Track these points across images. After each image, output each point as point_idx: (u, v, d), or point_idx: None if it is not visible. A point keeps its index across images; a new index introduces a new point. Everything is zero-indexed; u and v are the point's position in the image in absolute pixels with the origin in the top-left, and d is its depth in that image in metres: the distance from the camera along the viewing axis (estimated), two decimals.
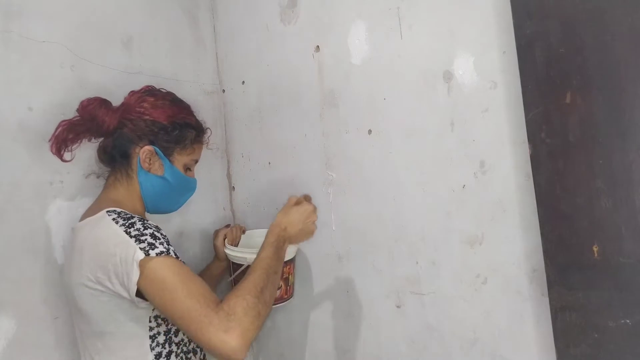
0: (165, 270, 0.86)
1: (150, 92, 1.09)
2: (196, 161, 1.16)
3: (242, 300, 0.86)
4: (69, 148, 1.03)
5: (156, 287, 0.85)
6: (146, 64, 1.34)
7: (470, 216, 1.04)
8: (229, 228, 1.37)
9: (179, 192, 1.13)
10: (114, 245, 0.89)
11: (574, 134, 0.82)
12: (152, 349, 0.95)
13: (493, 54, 0.97)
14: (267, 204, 1.44)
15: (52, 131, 1.02)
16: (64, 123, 1.03)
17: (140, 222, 0.94)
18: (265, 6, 1.40)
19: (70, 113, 1.15)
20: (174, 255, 0.90)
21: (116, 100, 1.20)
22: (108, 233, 0.91)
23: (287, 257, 1.18)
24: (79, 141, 1.04)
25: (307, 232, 1.13)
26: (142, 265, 0.86)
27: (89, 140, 1.07)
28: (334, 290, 1.30)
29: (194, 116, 1.14)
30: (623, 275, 0.79)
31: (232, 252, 1.23)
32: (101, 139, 1.08)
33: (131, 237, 0.89)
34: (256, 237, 1.36)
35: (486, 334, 1.03)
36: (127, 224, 0.92)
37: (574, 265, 0.84)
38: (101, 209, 0.98)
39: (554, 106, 0.84)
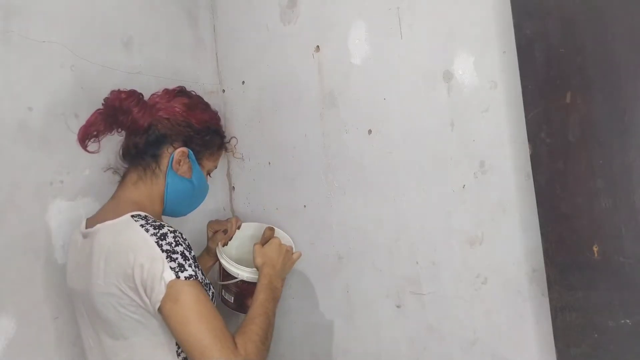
0: (190, 297, 0.86)
1: (185, 93, 1.09)
2: (215, 167, 1.18)
3: (255, 348, 0.91)
4: (98, 138, 1.02)
5: (179, 312, 0.85)
6: (146, 64, 1.34)
7: (470, 216, 1.04)
8: (226, 224, 1.30)
9: (197, 196, 1.14)
10: (142, 256, 0.87)
11: (574, 134, 0.82)
12: (178, 355, 0.94)
13: (493, 54, 0.97)
14: (267, 204, 1.44)
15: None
16: (99, 112, 1.00)
17: (172, 235, 0.91)
18: (265, 6, 1.40)
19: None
20: (200, 280, 0.89)
21: None
22: (136, 241, 0.88)
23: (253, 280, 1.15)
24: (107, 133, 1.02)
25: (290, 262, 1.18)
26: (170, 286, 0.85)
27: (119, 133, 1.05)
28: (334, 290, 1.29)
29: (221, 124, 1.16)
30: (623, 275, 0.79)
31: (229, 266, 1.19)
32: (125, 134, 1.05)
33: (163, 251, 0.87)
34: (246, 230, 1.36)
35: (486, 334, 1.03)
36: (158, 235, 0.89)
37: (574, 265, 0.84)
38: (123, 212, 0.94)
39: (554, 106, 0.84)
